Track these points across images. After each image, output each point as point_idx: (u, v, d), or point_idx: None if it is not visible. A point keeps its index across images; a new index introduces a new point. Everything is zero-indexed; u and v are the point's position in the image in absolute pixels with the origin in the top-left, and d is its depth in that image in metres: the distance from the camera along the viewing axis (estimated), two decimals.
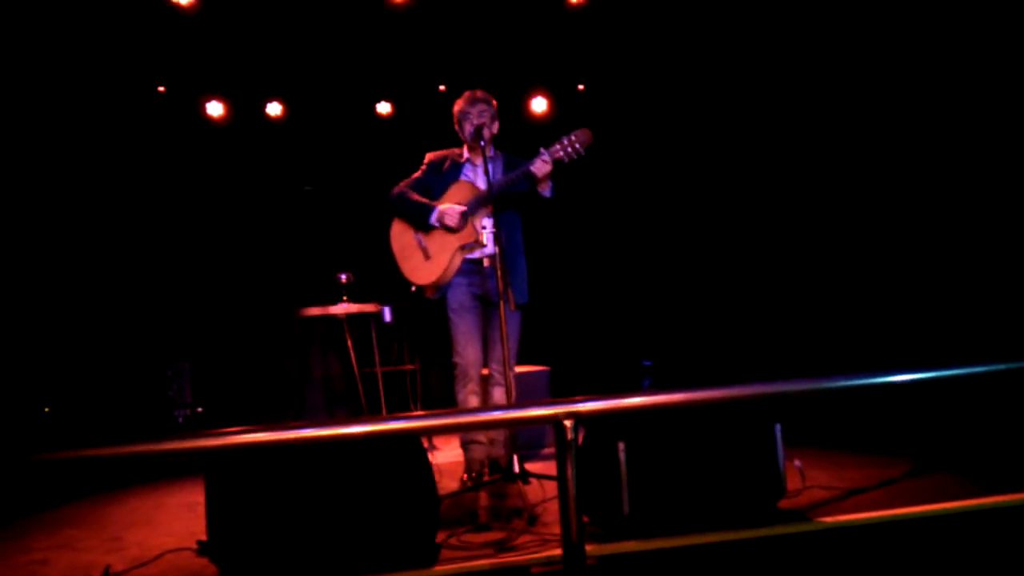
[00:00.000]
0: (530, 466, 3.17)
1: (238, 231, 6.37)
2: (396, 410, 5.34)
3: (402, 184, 3.58)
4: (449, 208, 3.38)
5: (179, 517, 3.43)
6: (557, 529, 2.45)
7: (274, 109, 6.31)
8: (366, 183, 6.16)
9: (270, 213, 6.43)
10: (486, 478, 3.40)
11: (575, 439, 2.02)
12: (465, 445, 3.56)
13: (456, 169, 3.56)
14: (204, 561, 2.60)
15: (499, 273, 3.12)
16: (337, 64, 6.10)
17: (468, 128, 3.49)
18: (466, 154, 3.60)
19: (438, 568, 2.35)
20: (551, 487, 3.10)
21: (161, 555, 2.76)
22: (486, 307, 3.51)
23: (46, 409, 5.48)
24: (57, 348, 5.66)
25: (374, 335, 5.25)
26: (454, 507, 3.08)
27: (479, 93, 3.52)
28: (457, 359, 3.48)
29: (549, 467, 3.01)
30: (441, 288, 3.49)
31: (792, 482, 2.86)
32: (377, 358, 5.24)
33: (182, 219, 6.25)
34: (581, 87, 6.52)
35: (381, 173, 4.85)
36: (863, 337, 5.14)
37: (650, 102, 6.46)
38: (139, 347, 5.92)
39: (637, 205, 6.66)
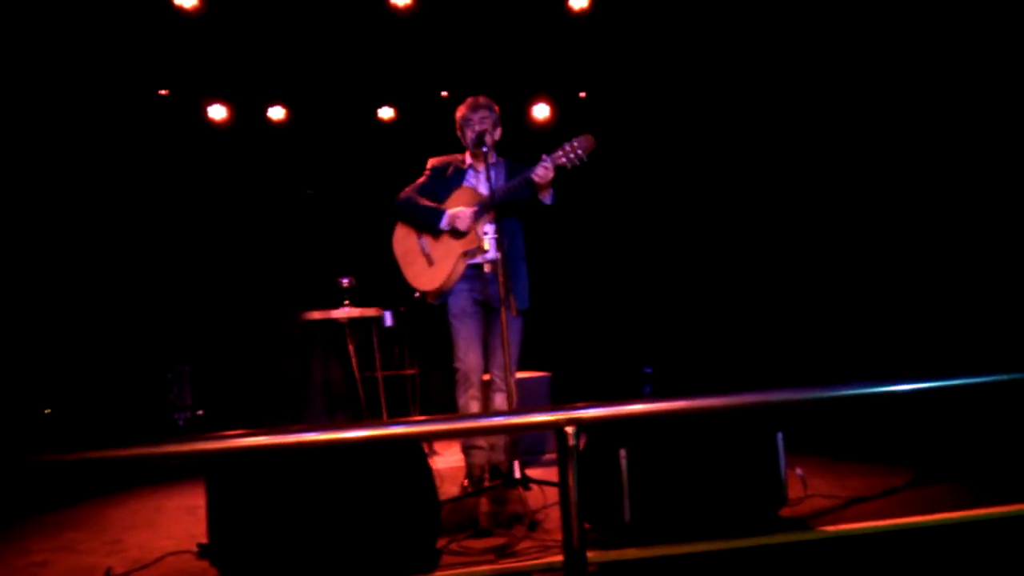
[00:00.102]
0: (531, 472, 3.17)
1: (240, 234, 6.37)
2: (397, 415, 5.34)
3: (408, 190, 3.59)
4: (460, 211, 3.38)
5: (179, 520, 3.43)
6: (558, 535, 2.44)
7: (276, 113, 6.32)
8: (368, 188, 6.18)
9: (272, 217, 6.43)
10: (487, 483, 3.40)
11: (576, 446, 2.02)
12: (466, 450, 3.56)
13: (459, 175, 3.57)
14: (204, 564, 2.59)
15: (501, 279, 3.12)
16: (340, 69, 6.11)
17: (470, 134, 3.50)
18: (468, 160, 3.60)
19: (439, 574, 2.35)
20: (552, 493, 3.10)
21: (162, 558, 2.76)
22: (487, 313, 3.52)
23: (47, 411, 5.47)
24: (58, 350, 5.66)
25: (375, 339, 5.25)
26: (455, 512, 3.07)
27: (481, 99, 3.53)
28: (458, 364, 3.48)
29: (550, 473, 3.01)
30: (444, 294, 3.49)
31: (794, 490, 2.85)
32: (378, 362, 5.24)
33: (184, 222, 6.26)
34: (583, 94, 6.53)
35: (383, 178, 4.87)
36: (866, 346, 5.13)
37: (652, 109, 6.47)
38: (140, 349, 5.92)
39: (639, 211, 6.66)
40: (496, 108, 3.56)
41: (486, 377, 3.60)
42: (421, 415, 5.36)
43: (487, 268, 3.45)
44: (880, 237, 5.14)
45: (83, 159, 5.89)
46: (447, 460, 4.46)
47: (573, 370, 5.85)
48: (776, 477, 2.63)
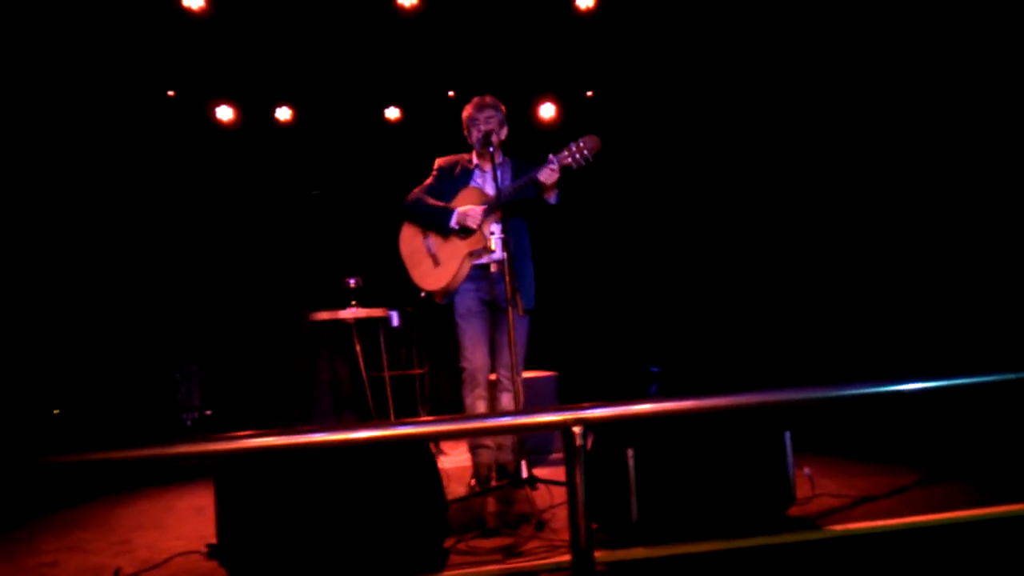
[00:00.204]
0: (538, 471, 3.17)
1: (247, 235, 6.39)
2: (404, 414, 5.35)
3: (416, 191, 3.60)
4: (471, 209, 3.39)
5: (188, 520, 3.44)
6: (565, 535, 2.45)
7: (283, 114, 6.34)
8: (375, 188, 6.18)
9: (279, 217, 6.45)
10: (494, 483, 3.41)
11: (584, 446, 2.02)
12: (474, 449, 3.57)
13: (466, 175, 3.57)
14: (213, 564, 2.61)
15: (507, 278, 3.12)
16: (346, 69, 6.13)
17: (476, 134, 3.50)
18: (475, 160, 3.61)
19: (447, 573, 2.35)
20: (559, 493, 3.11)
21: (170, 558, 2.77)
22: (494, 312, 3.52)
23: (55, 411, 5.50)
24: (66, 351, 5.69)
25: (382, 340, 5.26)
26: (462, 512, 3.08)
27: (488, 99, 3.54)
28: (465, 364, 3.49)
29: (557, 472, 3.01)
30: (450, 294, 3.50)
31: (802, 490, 2.85)
32: (385, 362, 5.25)
33: (192, 223, 6.28)
34: (589, 93, 6.53)
35: (390, 178, 4.87)
36: (874, 344, 5.12)
37: (658, 108, 6.46)
38: (147, 350, 5.94)
39: (645, 210, 6.65)
40: (503, 108, 3.56)
41: (492, 377, 3.60)
42: (429, 415, 5.37)
43: (493, 268, 3.45)
44: (889, 236, 5.12)
45: (91, 161, 5.92)
46: (454, 460, 4.46)
47: (580, 369, 5.85)
48: (784, 476, 2.63)
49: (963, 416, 4.16)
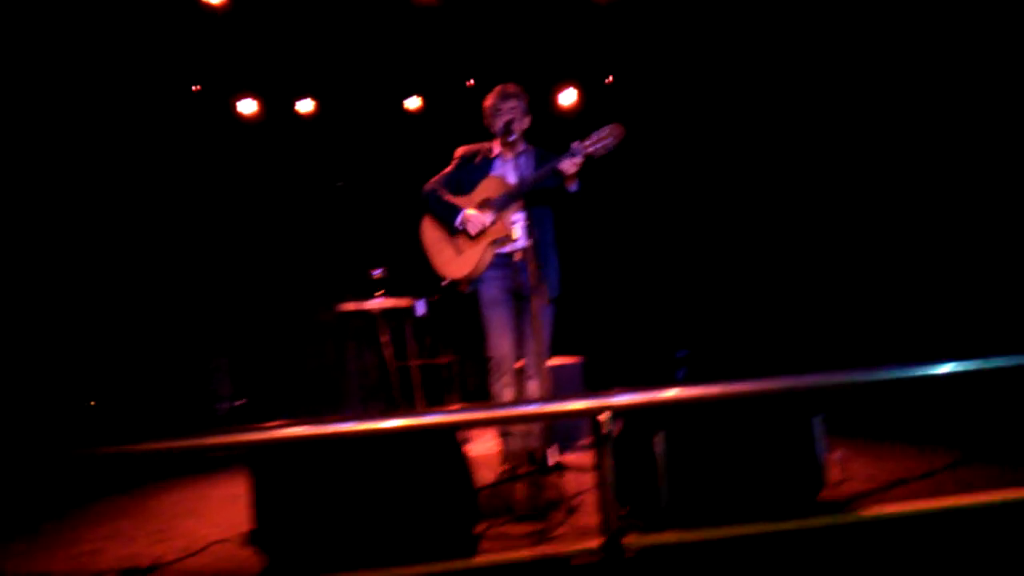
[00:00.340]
0: (567, 457, 3.19)
1: (273, 228, 6.47)
2: (431, 402, 5.39)
3: (434, 180, 3.61)
4: (474, 216, 3.41)
5: (223, 509, 3.51)
6: (595, 520, 2.46)
7: (305, 106, 6.38)
8: (397, 178, 6.21)
9: (304, 210, 6.51)
10: (523, 469, 3.43)
11: (611, 432, 2.03)
12: (504, 436, 3.59)
13: (487, 164, 3.57)
14: (249, 551, 2.66)
15: (531, 267, 3.12)
16: (367, 60, 6.15)
17: (498, 123, 3.49)
18: (496, 148, 3.61)
19: (478, 559, 2.38)
20: (588, 478, 3.12)
21: (208, 546, 2.84)
22: (519, 301, 3.52)
23: (91, 403, 5.63)
24: (101, 344, 5.81)
25: (408, 329, 5.30)
26: (492, 498, 3.11)
27: (510, 88, 3.52)
28: (491, 352, 3.51)
29: (586, 458, 3.03)
30: (473, 282, 3.52)
31: (832, 473, 2.83)
32: (412, 352, 5.29)
33: (219, 217, 6.37)
34: (610, 79, 6.48)
35: (412, 168, 4.88)
36: (905, 325, 5.05)
37: (681, 92, 6.40)
38: (180, 342, 6.05)
39: (670, 194, 6.61)
40: (525, 96, 3.55)
41: (519, 364, 3.62)
42: (456, 403, 5.40)
43: (517, 256, 3.45)
44: (924, 218, 5.04)
45: (124, 158, 6.02)
46: (481, 447, 4.49)
47: (606, 355, 5.85)
48: (814, 460, 2.61)
49: (996, 397, 4.10)
